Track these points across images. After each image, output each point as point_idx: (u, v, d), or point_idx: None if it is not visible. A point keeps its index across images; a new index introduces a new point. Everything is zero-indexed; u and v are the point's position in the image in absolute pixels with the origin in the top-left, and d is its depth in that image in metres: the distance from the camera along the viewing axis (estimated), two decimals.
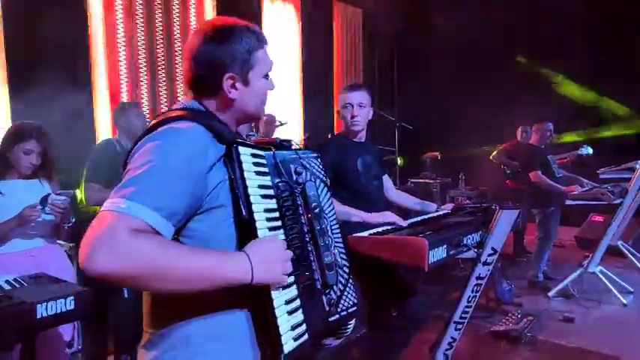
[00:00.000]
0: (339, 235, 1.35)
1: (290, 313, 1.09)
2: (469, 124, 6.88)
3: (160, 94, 4.87)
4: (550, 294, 4.31)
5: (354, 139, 2.54)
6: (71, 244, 2.77)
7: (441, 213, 2.57)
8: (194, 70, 1.17)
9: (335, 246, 1.30)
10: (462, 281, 2.42)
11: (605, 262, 4.46)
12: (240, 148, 1.09)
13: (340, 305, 1.26)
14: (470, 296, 2.33)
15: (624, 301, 4.05)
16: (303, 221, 1.21)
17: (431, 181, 5.85)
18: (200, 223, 1.07)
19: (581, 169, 4.98)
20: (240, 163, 1.08)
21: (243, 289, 1.02)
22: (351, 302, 1.30)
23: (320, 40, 6.79)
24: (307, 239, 1.21)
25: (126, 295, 2.70)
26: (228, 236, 1.09)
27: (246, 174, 1.08)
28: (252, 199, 1.07)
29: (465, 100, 6.85)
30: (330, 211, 1.33)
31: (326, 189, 1.34)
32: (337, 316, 1.24)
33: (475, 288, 2.32)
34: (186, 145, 1.03)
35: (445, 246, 1.97)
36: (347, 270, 1.32)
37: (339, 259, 1.31)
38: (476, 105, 6.71)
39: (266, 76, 1.23)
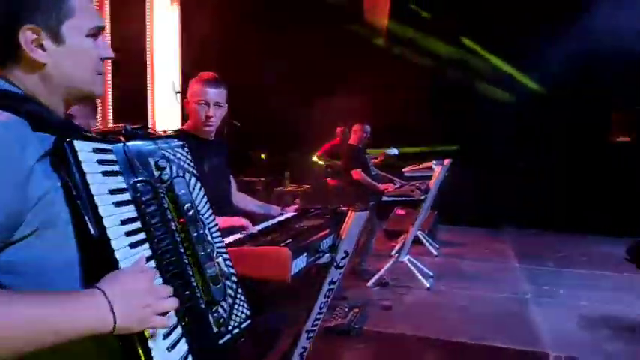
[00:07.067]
0: (221, 238, 1.14)
1: (170, 348, 0.89)
2: (294, 124, 6.99)
3: None
4: (368, 284, 4.65)
5: (203, 137, 2.27)
6: None
7: (288, 216, 2.48)
8: None
9: (218, 253, 1.10)
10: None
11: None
12: (76, 143, 0.83)
13: (231, 322, 1.09)
14: (322, 302, 2.28)
15: (427, 285, 4.62)
16: (174, 228, 0.99)
17: (255, 179, 5.85)
18: (23, 253, 0.78)
19: (387, 168, 5.53)
20: (78, 163, 0.82)
21: None
22: (243, 316, 1.13)
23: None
24: (182, 250, 1.00)
25: None
26: (68, 265, 0.82)
27: (89, 177, 0.83)
28: (101, 210, 0.83)
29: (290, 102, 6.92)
30: (206, 212, 1.11)
31: (199, 185, 1.11)
32: (229, 335, 1.07)
33: (328, 293, 2.28)
34: None
35: (305, 254, 1.89)
36: (235, 279, 1.14)
37: (225, 268, 1.12)
38: (301, 106, 6.84)
39: (94, 36, 0.93)
